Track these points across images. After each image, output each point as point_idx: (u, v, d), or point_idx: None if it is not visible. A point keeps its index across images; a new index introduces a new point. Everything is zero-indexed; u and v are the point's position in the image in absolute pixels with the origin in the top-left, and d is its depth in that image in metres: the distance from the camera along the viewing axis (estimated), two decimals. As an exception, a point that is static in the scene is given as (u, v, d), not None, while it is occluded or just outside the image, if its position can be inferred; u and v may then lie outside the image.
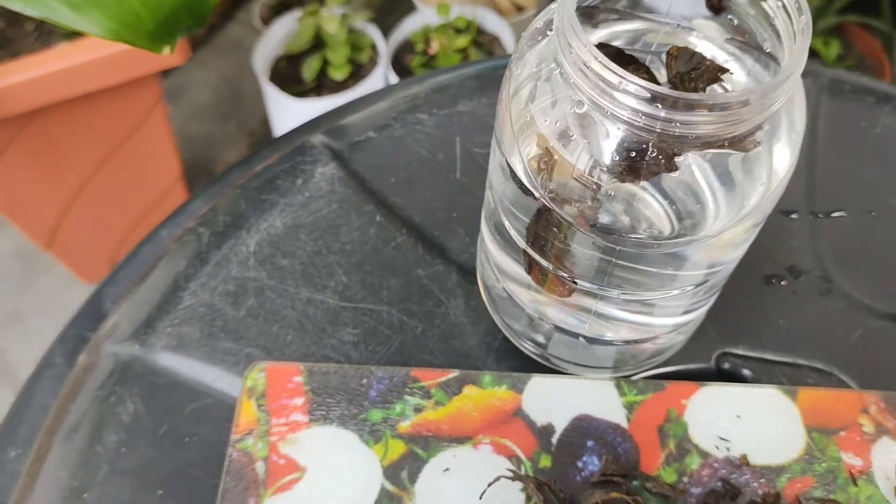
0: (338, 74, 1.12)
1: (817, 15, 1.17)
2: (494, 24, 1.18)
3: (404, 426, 0.36)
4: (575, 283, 0.33)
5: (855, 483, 0.36)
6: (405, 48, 1.18)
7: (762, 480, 0.35)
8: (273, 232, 0.42)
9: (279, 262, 0.41)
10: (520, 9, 1.24)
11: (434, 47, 1.12)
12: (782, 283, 0.42)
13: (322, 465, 0.35)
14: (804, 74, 0.50)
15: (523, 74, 0.31)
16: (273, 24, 1.17)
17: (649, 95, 0.25)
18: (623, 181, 0.28)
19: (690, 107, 0.26)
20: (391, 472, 0.35)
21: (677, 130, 0.26)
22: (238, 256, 0.41)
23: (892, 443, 0.37)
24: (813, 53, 1.17)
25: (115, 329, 0.40)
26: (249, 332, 0.39)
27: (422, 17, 1.17)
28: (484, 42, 1.17)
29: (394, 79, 1.14)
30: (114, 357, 0.39)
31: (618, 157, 0.28)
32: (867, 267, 0.43)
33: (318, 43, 1.14)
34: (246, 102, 1.29)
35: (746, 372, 0.39)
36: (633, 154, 0.27)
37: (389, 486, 0.35)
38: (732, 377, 0.40)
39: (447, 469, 0.35)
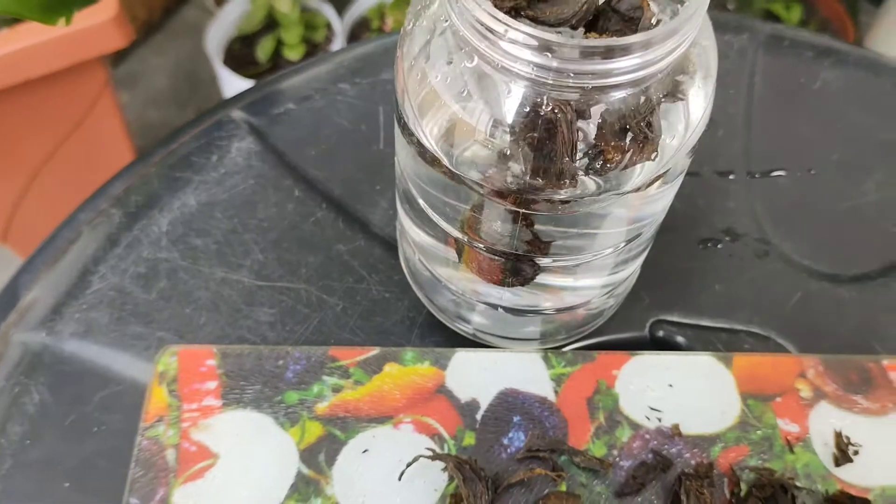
0: (292, 54, 1.09)
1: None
2: (452, -2, 1.16)
3: (322, 407, 0.35)
4: (500, 257, 0.31)
5: (791, 450, 0.34)
6: (361, 26, 1.15)
7: (695, 450, 0.34)
8: (187, 211, 0.40)
9: (193, 242, 0.39)
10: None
11: (390, 24, 1.10)
12: (718, 246, 0.41)
13: (235, 451, 0.34)
14: (741, 30, 0.48)
15: (418, 30, 0.29)
16: (225, 4, 1.15)
17: (536, 44, 0.24)
18: (526, 142, 0.27)
19: (586, 54, 0.24)
20: (308, 455, 0.34)
21: (571, 81, 0.24)
22: (150, 237, 0.39)
23: (830, 408, 0.36)
24: (771, 17, 1.15)
25: (22, 317, 0.38)
26: (161, 316, 0.37)
27: (377, -6, 1.15)
28: (442, 17, 1.15)
29: (351, 57, 1.12)
30: (22, 346, 0.37)
31: (517, 116, 0.26)
32: (806, 227, 0.41)
33: (272, 23, 1.12)
34: (203, 87, 1.26)
35: (681, 339, 0.38)
36: (530, 110, 0.26)
37: (306, 470, 0.33)
38: (667, 345, 0.38)
39: (366, 450, 0.34)
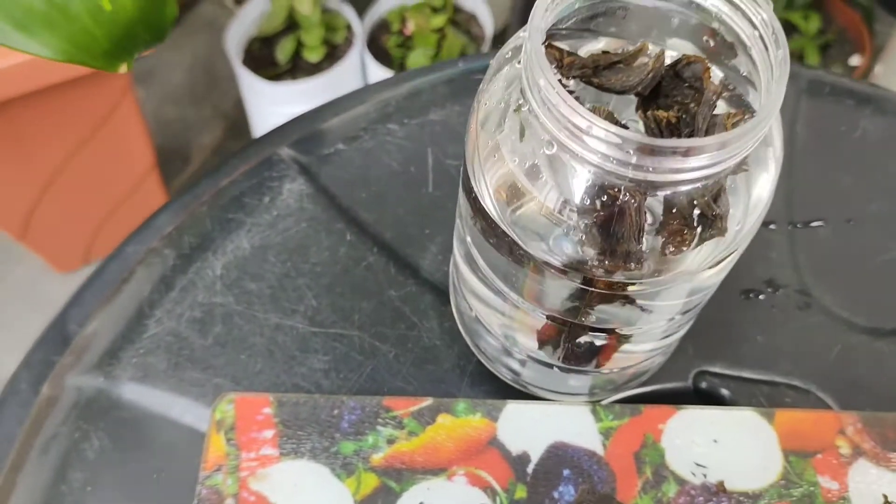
0: (312, 56, 1.09)
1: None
2: (471, 2, 1.16)
3: (377, 458, 0.35)
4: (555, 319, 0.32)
5: (833, 507, 0.35)
6: (381, 28, 1.15)
7: (740, 507, 0.35)
8: (240, 254, 0.41)
9: (247, 286, 0.40)
10: (497, -15, 1.22)
11: (410, 27, 1.10)
12: (760, 297, 0.41)
13: (293, 502, 0.34)
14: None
15: (491, 103, 0.29)
16: (245, 4, 1.15)
17: (619, 141, 0.24)
18: (595, 224, 0.27)
19: (667, 153, 0.25)
20: (364, 506, 0.34)
21: (650, 176, 0.25)
22: (204, 280, 0.40)
23: (869, 465, 0.36)
24: (792, 29, 1.16)
25: (78, 359, 0.38)
26: (217, 362, 0.38)
27: (397, -4, 1.15)
28: (461, 21, 1.15)
29: (370, 60, 1.12)
30: (77, 390, 0.38)
31: (588, 200, 0.27)
32: (846, 279, 0.42)
33: (292, 24, 1.12)
34: (220, 84, 1.26)
35: (724, 391, 0.39)
36: (605, 198, 0.26)
37: (362, 522, 0.34)
38: (710, 397, 0.39)
39: (421, 503, 0.35)
